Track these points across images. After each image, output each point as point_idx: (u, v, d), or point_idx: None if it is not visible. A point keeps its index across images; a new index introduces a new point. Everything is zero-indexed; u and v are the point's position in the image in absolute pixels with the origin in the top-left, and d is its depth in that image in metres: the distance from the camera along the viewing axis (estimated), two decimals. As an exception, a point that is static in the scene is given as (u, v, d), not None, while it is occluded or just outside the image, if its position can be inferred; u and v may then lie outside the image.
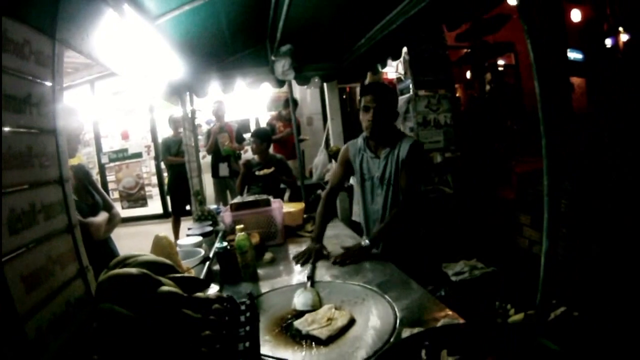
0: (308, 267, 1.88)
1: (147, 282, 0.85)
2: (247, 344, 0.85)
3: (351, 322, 1.29)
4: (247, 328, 0.90)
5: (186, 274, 1.01)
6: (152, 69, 2.01)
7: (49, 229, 0.90)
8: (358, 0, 2.13)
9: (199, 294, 0.95)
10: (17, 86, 0.82)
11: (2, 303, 0.72)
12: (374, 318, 1.31)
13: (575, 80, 6.07)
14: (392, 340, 1.15)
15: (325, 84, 3.79)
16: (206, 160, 5.34)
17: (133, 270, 0.87)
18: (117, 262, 1.02)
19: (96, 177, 6.94)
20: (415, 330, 1.11)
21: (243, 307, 1.05)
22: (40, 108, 0.90)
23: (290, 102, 3.78)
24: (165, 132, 5.84)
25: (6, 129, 0.78)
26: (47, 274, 0.87)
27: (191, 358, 0.82)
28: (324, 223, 2.14)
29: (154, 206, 7.29)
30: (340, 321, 1.28)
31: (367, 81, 5.43)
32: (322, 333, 1.22)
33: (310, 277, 1.69)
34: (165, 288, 0.85)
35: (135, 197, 6.98)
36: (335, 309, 1.37)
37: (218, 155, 5.11)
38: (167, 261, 0.98)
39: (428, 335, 0.74)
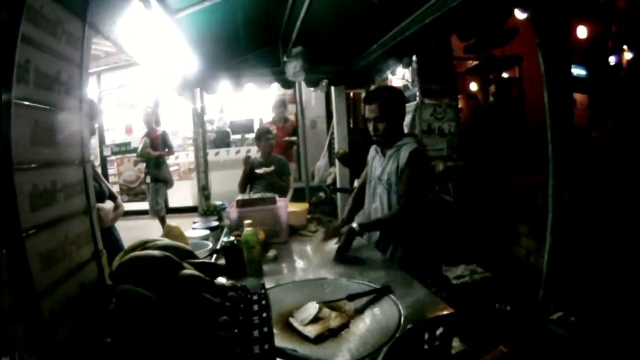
0: (311, 263, 1.95)
1: (169, 265, 0.87)
2: (263, 330, 0.87)
3: (343, 326, 1.26)
4: (263, 315, 0.92)
5: (204, 260, 1.04)
6: (169, 62, 2.05)
7: (69, 209, 0.89)
8: (372, 7, 2.17)
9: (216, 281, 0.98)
10: (49, 63, 0.83)
11: (22, 279, 0.71)
12: (379, 314, 1.34)
13: (577, 97, 6.12)
14: (397, 335, 1.18)
15: (332, 88, 3.83)
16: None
17: (156, 252, 0.89)
18: (135, 246, 1.05)
19: (98, 169, 6.95)
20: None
21: (255, 297, 1.08)
22: (69, 88, 0.91)
23: (297, 105, 3.82)
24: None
25: (36, 104, 0.78)
26: (64, 254, 0.86)
27: (209, 342, 0.84)
28: (351, 212, 2.36)
29: (154, 201, 7.26)
30: (333, 322, 1.26)
31: (372, 87, 5.48)
32: (311, 332, 1.22)
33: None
34: (187, 271, 0.87)
35: (135, 191, 6.98)
36: (335, 309, 1.36)
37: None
38: (187, 246, 1.01)
39: (442, 321, 0.76)
